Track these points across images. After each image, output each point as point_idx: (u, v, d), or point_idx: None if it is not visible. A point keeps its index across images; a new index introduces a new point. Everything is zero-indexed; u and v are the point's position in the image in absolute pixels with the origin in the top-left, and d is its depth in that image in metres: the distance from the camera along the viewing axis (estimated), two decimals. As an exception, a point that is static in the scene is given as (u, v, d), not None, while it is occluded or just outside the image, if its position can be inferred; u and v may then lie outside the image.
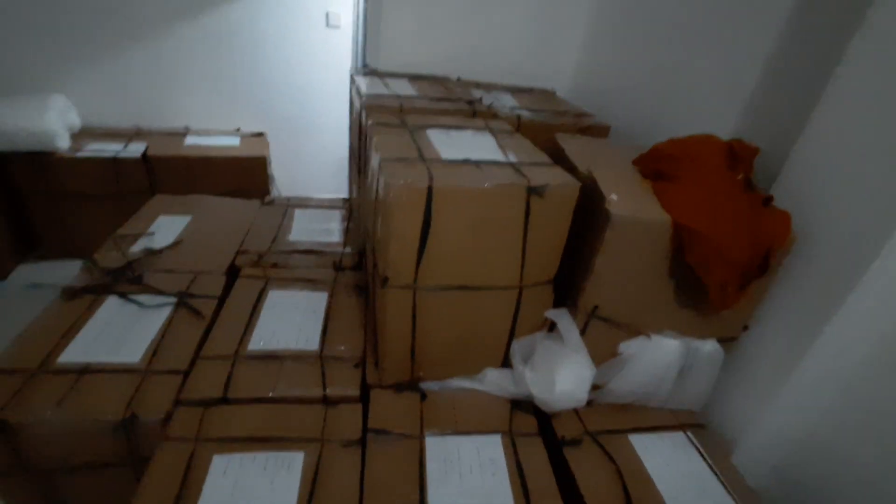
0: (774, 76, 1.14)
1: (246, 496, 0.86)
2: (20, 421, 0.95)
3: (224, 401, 1.04)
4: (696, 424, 1.15)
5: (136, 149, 2.19)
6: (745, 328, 1.06)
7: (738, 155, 1.00)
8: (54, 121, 2.03)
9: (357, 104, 1.54)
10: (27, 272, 2.17)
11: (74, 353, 1.09)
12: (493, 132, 1.24)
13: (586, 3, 1.95)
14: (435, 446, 1.00)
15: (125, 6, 2.23)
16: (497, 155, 1.06)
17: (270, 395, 1.06)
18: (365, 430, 1.01)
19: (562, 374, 0.98)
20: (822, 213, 0.93)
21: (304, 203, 1.94)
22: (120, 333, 1.16)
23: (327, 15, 2.50)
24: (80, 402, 0.99)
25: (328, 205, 1.96)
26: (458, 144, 1.11)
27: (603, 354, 1.05)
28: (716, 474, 1.02)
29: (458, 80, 1.85)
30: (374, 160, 1.04)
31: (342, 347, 1.21)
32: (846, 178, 0.90)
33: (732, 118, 1.22)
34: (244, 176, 2.31)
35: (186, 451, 0.92)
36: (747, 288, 0.94)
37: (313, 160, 2.82)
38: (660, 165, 1.00)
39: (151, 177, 2.20)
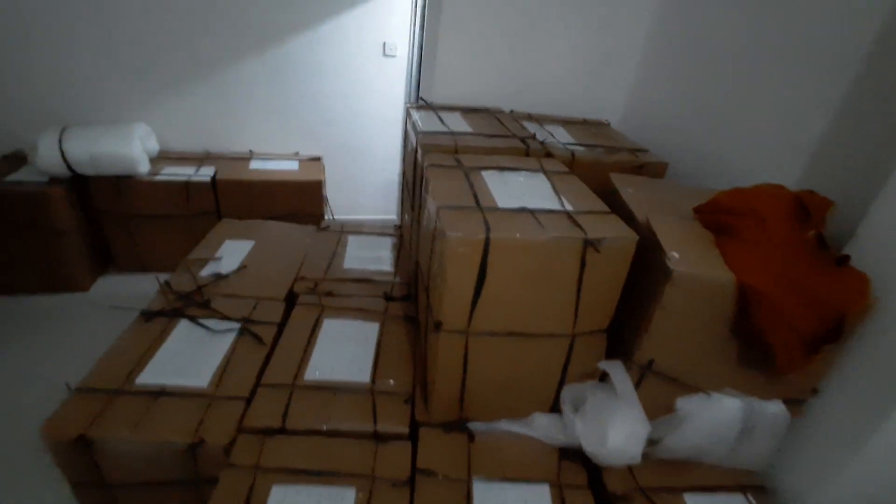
0: (848, 123, 1.08)
1: (302, 531, 0.89)
2: (102, 438, 1.04)
3: (282, 431, 1.09)
4: (757, 486, 1.09)
5: (205, 172, 2.35)
6: (815, 391, 1.01)
7: (808, 209, 0.95)
8: (137, 147, 2.22)
9: (413, 139, 1.59)
10: (106, 285, 2.37)
11: (151, 375, 1.18)
12: (547, 174, 1.25)
13: (641, 34, 1.93)
14: (482, 492, 1.00)
15: (198, 44, 2.42)
16: (553, 202, 1.07)
17: (324, 428, 1.10)
18: (413, 469, 1.04)
19: (614, 428, 0.96)
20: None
21: (357, 230, 2.01)
22: (190, 357, 1.25)
23: (384, 45, 2.60)
24: (154, 424, 1.07)
25: (379, 231, 2.02)
26: (512, 190, 1.12)
27: (658, 409, 1.03)
28: (779, 545, 0.96)
29: (511, 112, 1.88)
30: (431, 206, 1.07)
31: (392, 382, 1.24)
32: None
33: (799, 165, 1.17)
34: (301, 198, 2.43)
35: (248, 480, 0.97)
36: (818, 353, 0.89)
37: (365, 182, 2.92)
38: (723, 218, 0.97)
39: (217, 199, 2.36)
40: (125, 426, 1.06)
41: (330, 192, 2.73)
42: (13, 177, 2.16)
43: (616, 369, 1.01)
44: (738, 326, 0.91)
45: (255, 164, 2.54)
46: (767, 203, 0.94)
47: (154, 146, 2.44)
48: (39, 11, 2.22)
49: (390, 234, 2.00)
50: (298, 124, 2.75)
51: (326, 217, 2.61)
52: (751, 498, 1.06)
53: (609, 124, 1.93)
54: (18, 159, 2.32)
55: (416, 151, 1.49)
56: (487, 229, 0.91)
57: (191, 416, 1.09)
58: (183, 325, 1.36)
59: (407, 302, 1.57)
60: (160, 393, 1.14)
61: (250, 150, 2.70)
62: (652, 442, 1.05)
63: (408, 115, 1.81)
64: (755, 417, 1.00)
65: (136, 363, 1.22)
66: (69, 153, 2.12)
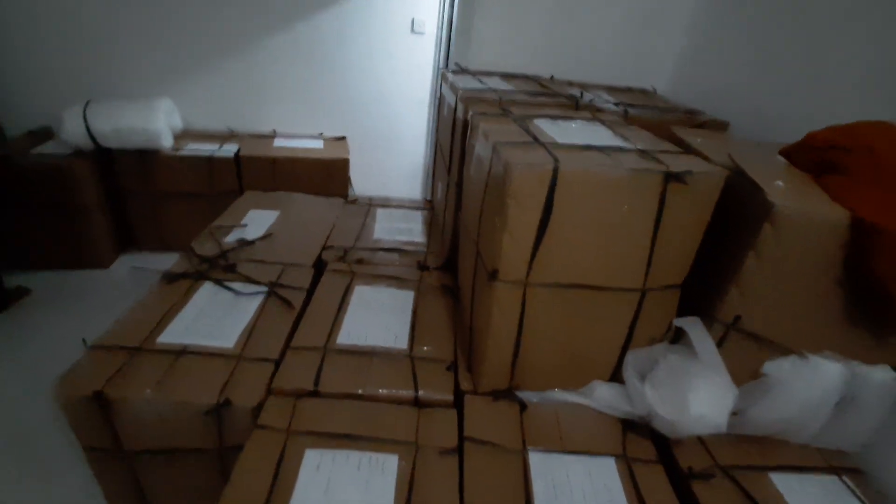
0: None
1: (340, 494, 0.79)
2: (121, 397, 0.94)
3: (315, 394, 0.99)
4: (852, 469, 0.95)
5: (229, 149, 2.29)
6: (931, 356, 0.87)
7: (924, 144, 0.82)
8: (161, 121, 2.16)
9: (450, 100, 1.50)
10: (128, 263, 2.31)
11: (173, 335, 1.09)
12: (604, 123, 1.14)
13: (690, -2, 1.81)
14: (540, 464, 0.89)
15: (224, 21, 2.37)
16: (619, 142, 0.96)
17: (360, 392, 1.00)
18: (461, 437, 0.92)
19: (696, 392, 0.84)
20: None
21: (386, 203, 1.92)
22: (215, 318, 1.16)
23: (412, 21, 2.52)
24: (176, 383, 0.98)
25: (409, 205, 1.92)
26: (571, 133, 1.01)
27: (742, 375, 0.90)
28: (888, 533, 0.83)
29: (552, 78, 1.77)
30: (484, 147, 0.97)
31: (431, 349, 1.13)
32: None
33: (890, 108, 1.04)
34: (326, 177, 2.35)
35: (279, 442, 0.87)
36: (944, 305, 0.76)
37: (391, 166, 2.83)
38: (823, 156, 0.85)
39: (240, 177, 2.29)
40: (145, 384, 0.96)
41: (354, 175, 2.65)
42: (39, 149, 2.12)
43: (695, 327, 0.89)
44: (850, 275, 0.78)
45: (278, 143, 2.48)
46: (879, 135, 0.82)
47: (178, 123, 2.38)
48: (67, -14, 2.19)
49: (420, 208, 1.90)
50: (323, 104, 2.67)
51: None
52: (847, 480, 0.92)
53: (655, 91, 1.81)
54: (45, 135, 2.29)
55: (455, 111, 1.39)
56: (556, 160, 0.80)
57: (216, 376, 1.00)
58: (207, 287, 1.27)
59: (443, 272, 1.46)
60: (182, 352, 1.05)
61: (274, 130, 2.63)
62: (733, 413, 0.92)
63: (442, 79, 1.71)
64: (857, 386, 0.87)
65: (157, 323, 1.13)
66: (94, 126, 2.07)
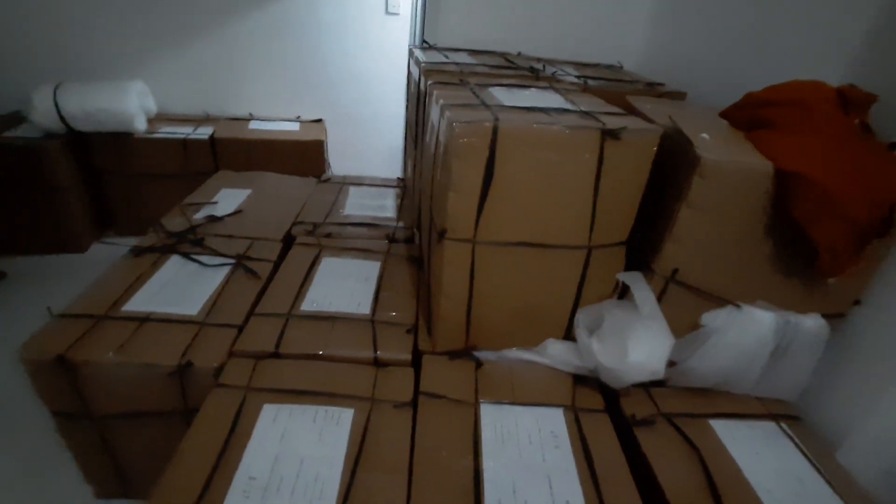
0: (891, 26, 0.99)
1: (295, 445, 0.82)
2: (84, 360, 0.97)
3: (276, 355, 1.02)
4: (790, 416, 1.00)
5: (204, 132, 2.29)
6: (857, 303, 0.92)
7: (850, 101, 0.86)
8: (133, 103, 2.16)
9: (415, 74, 1.51)
10: (105, 247, 2.31)
11: (138, 304, 1.12)
12: (558, 91, 1.16)
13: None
14: (490, 414, 0.93)
15: (198, 3, 2.36)
16: (567, 106, 0.98)
17: (321, 352, 1.03)
18: (416, 392, 0.96)
19: (635, 340, 0.88)
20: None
21: (359, 181, 1.94)
22: (181, 288, 1.18)
23: (387, 2, 2.52)
24: (139, 347, 1.00)
25: (382, 183, 1.94)
26: (522, 98, 1.04)
27: (682, 327, 0.94)
28: (819, 472, 0.88)
29: (519, 54, 1.79)
30: (435, 111, 0.99)
31: (394, 314, 1.16)
32: None
33: (838, 72, 1.07)
34: (303, 159, 2.35)
35: (238, 398, 0.90)
36: (863, 251, 0.81)
37: (368, 148, 2.83)
38: (756, 112, 0.89)
39: (216, 158, 2.29)
40: (108, 348, 0.99)
41: (333, 157, 2.66)
42: (10, 133, 2.11)
43: (636, 280, 0.93)
44: (777, 223, 0.82)
45: (254, 125, 2.48)
46: (809, 91, 0.85)
47: (151, 106, 2.37)
48: (34, -36, 2.16)
49: (393, 186, 1.93)
50: (299, 87, 2.67)
51: (328, 179, 2.54)
52: (784, 426, 0.97)
53: (622, 67, 1.84)
54: (17, 119, 2.27)
55: (419, 84, 1.41)
56: (496, 119, 0.83)
57: (178, 340, 1.02)
58: (174, 260, 1.29)
59: (411, 244, 1.49)
60: (146, 319, 1.07)
61: (250, 113, 2.63)
62: (673, 364, 0.96)
63: (410, 54, 1.73)
64: (790, 333, 0.92)
65: (122, 293, 1.15)
66: (64, 108, 2.06)
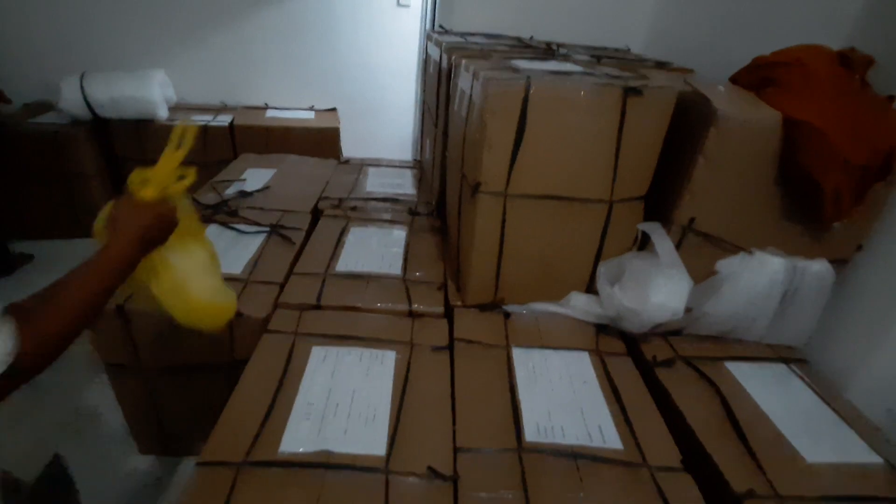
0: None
1: (345, 379, 0.89)
2: (140, 311, 1.04)
3: (317, 307, 1.09)
4: (799, 359, 1.07)
5: (223, 119, 2.36)
6: (859, 248, 0.99)
7: (851, 61, 0.94)
8: (156, 91, 2.23)
9: (435, 55, 1.59)
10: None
11: (183, 264, 1.18)
12: (577, 63, 1.24)
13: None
14: (522, 356, 1.00)
15: (215, -6, 2.45)
16: (588, 71, 1.06)
17: (359, 305, 1.10)
18: (451, 339, 1.03)
19: (656, 284, 0.95)
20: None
21: (377, 163, 2.01)
22: (222, 251, 1.23)
23: (399, -6, 2.60)
24: (191, 300, 1.07)
25: (399, 164, 2.02)
26: (547, 66, 1.11)
27: (699, 274, 1.01)
28: (828, 405, 0.94)
29: (531, 38, 1.86)
30: (465, 78, 1.07)
31: (423, 274, 1.24)
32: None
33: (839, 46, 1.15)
34: (319, 146, 2.42)
35: (288, 342, 0.97)
36: (864, 196, 0.88)
37: (379, 136, 2.91)
38: (764, 73, 0.96)
39: (235, 145, 2.36)
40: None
41: (345, 146, 2.73)
42: (37, 119, 2.18)
43: (655, 230, 1.00)
44: (786, 171, 0.89)
45: (271, 114, 2.55)
46: (812, 52, 0.93)
47: (171, 95, 2.45)
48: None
49: (410, 167, 2.00)
50: (313, 78, 2.75)
51: (343, 167, 2.61)
52: (794, 368, 1.04)
53: (629, 50, 1.92)
54: (42, 107, 2.34)
55: (440, 63, 1.48)
56: (528, 79, 0.90)
57: (226, 295, 1.09)
58: (212, 229, 1.36)
59: (431, 217, 1.56)
60: (194, 277, 1.14)
61: (266, 103, 2.70)
62: (689, 310, 1.03)
63: (428, 39, 1.80)
64: (798, 278, 0.99)
65: (168, 256, 1.21)
66: (91, 95, 2.14)
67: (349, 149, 2.76)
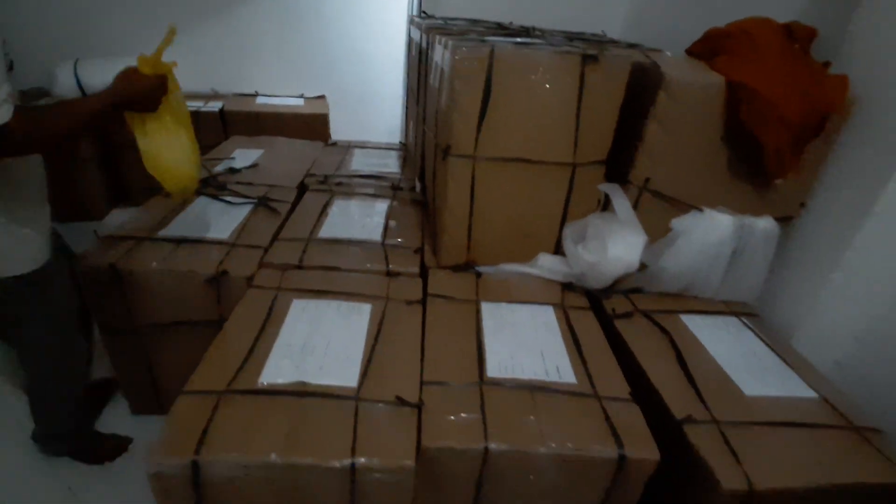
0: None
1: (323, 326, 0.96)
2: (132, 269, 1.10)
3: (300, 267, 1.16)
4: (750, 313, 1.15)
5: (213, 105, 2.42)
6: (803, 205, 1.07)
7: (793, 32, 1.01)
8: (148, 77, 2.29)
9: (416, 37, 1.66)
10: (119, 216, 2.44)
11: (173, 230, 1.25)
12: (549, 42, 1.31)
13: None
14: (490, 309, 1.06)
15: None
16: (554, 44, 1.13)
17: (340, 266, 1.16)
18: (425, 296, 1.10)
19: (613, 239, 1.02)
20: (877, 80, 0.93)
21: (364, 145, 2.08)
22: (210, 220, 1.31)
23: (386, -17, 2.67)
24: (179, 260, 1.14)
25: (386, 147, 2.09)
26: (516, 40, 1.18)
27: (655, 233, 1.08)
28: (775, 353, 1.02)
29: (511, 24, 1.93)
30: (439, 50, 1.14)
31: (402, 240, 1.30)
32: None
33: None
34: (308, 131, 2.48)
35: (270, 295, 1.04)
36: (803, 151, 0.96)
37: (367, 124, 2.97)
38: (715, 43, 1.03)
39: (227, 131, 2.42)
40: (151, 260, 1.12)
41: (334, 135, 2.79)
42: (33, 105, 2.22)
43: (614, 190, 1.07)
44: (731, 131, 0.96)
45: (261, 101, 2.61)
46: (759, 23, 1.00)
47: (164, 81, 2.50)
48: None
49: (395, 149, 2.07)
50: (303, 66, 2.81)
51: (332, 153, 2.67)
52: (745, 320, 1.12)
53: (605, 34, 1.99)
54: (39, 94, 2.39)
55: (420, 43, 1.55)
56: (492, 46, 0.97)
57: (213, 256, 1.16)
58: (201, 200, 1.42)
59: (413, 192, 1.63)
60: (182, 241, 1.21)
61: (256, 91, 2.76)
62: (646, 267, 1.10)
63: (411, 24, 1.87)
64: (746, 234, 1.06)
65: (158, 223, 1.28)
66: (85, 81, 2.19)
67: (339, 136, 2.83)
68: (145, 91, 0.98)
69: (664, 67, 0.95)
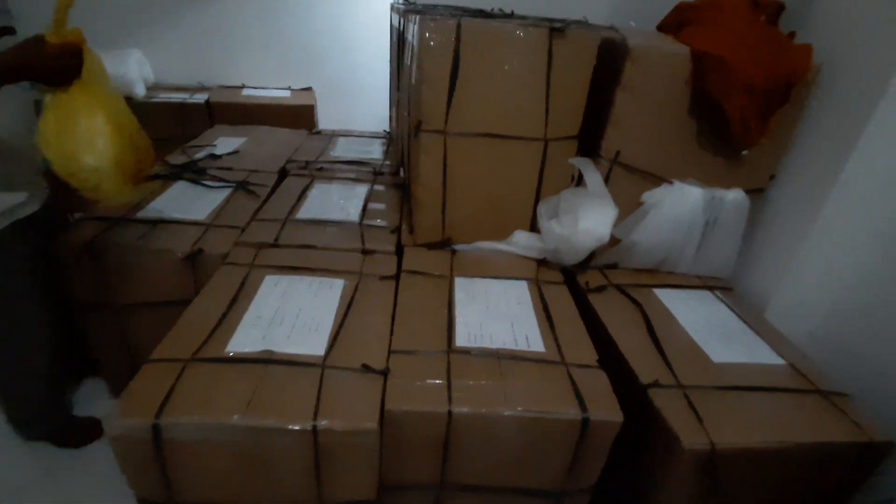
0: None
1: (294, 300, 0.96)
2: (107, 246, 1.10)
3: (275, 246, 1.16)
4: (724, 287, 1.15)
5: (200, 97, 2.43)
6: (772, 177, 1.07)
7: (761, 6, 1.02)
8: (133, 68, 2.29)
9: (396, 23, 1.66)
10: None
11: (151, 212, 1.25)
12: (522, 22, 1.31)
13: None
14: (463, 283, 1.07)
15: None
16: (525, 20, 1.13)
17: (316, 245, 1.17)
18: (399, 272, 1.10)
19: (584, 211, 1.03)
20: (842, 48, 0.94)
21: (348, 133, 2.08)
22: (188, 202, 1.32)
23: (372, -25, 2.67)
24: (157, 238, 1.14)
25: (369, 134, 2.09)
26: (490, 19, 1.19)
27: (627, 207, 1.09)
28: (746, 323, 1.02)
29: (492, 10, 1.94)
30: (412, 30, 1.14)
31: (379, 221, 1.31)
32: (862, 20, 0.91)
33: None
34: (294, 122, 2.47)
35: (243, 271, 1.04)
36: (769, 120, 0.96)
37: (354, 117, 2.95)
38: (682, 15, 1.04)
39: (212, 123, 2.42)
40: (128, 238, 1.12)
41: (321, 126, 2.80)
42: (14, 97, 2.22)
43: (585, 164, 1.08)
44: (698, 102, 0.97)
45: (247, 93, 2.61)
46: (723, -3, 1.01)
47: (149, 74, 2.50)
48: (35, -62, 2.28)
49: (380, 137, 2.07)
50: (290, 58, 2.81)
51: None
52: (718, 294, 1.12)
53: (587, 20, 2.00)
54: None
55: (399, 27, 1.55)
56: (459, 20, 0.98)
57: (190, 235, 1.16)
58: (180, 184, 1.42)
59: (395, 176, 1.63)
60: (159, 221, 1.21)
61: (242, 83, 2.76)
62: (618, 242, 1.11)
63: (393, 12, 1.87)
64: (717, 207, 1.07)
65: (135, 206, 1.28)
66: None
67: (326, 127, 2.84)
68: (46, 60, 0.87)
69: (630, 39, 0.96)
